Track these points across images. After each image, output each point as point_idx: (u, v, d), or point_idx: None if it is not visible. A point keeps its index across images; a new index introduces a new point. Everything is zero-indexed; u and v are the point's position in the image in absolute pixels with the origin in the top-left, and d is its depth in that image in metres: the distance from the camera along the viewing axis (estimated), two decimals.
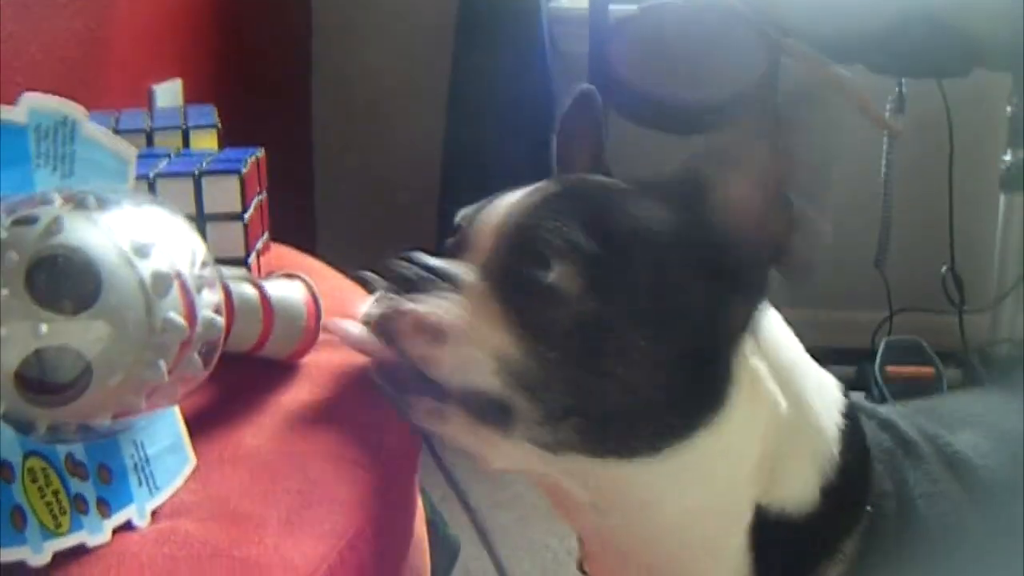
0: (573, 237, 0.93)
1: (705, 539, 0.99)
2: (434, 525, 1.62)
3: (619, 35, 2.90)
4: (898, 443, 1.07)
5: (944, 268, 2.89)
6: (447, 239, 1.06)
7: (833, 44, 2.64)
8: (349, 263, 1.67)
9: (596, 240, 0.93)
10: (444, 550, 2.04)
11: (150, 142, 1.63)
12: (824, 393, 1.04)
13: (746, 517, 0.98)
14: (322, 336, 1.35)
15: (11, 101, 0.98)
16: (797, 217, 0.94)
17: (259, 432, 1.19)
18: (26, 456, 0.92)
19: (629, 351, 0.92)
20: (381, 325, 0.97)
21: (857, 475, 1.02)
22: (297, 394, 1.28)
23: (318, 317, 1.33)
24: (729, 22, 2.73)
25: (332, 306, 1.38)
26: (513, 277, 0.95)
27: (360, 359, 1.34)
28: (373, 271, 1.03)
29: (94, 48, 2.29)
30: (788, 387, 1.00)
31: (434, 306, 0.95)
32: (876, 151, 2.83)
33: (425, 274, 0.97)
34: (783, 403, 0.99)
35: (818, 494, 0.99)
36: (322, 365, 1.34)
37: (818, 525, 0.99)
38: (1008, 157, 2.77)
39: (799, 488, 0.99)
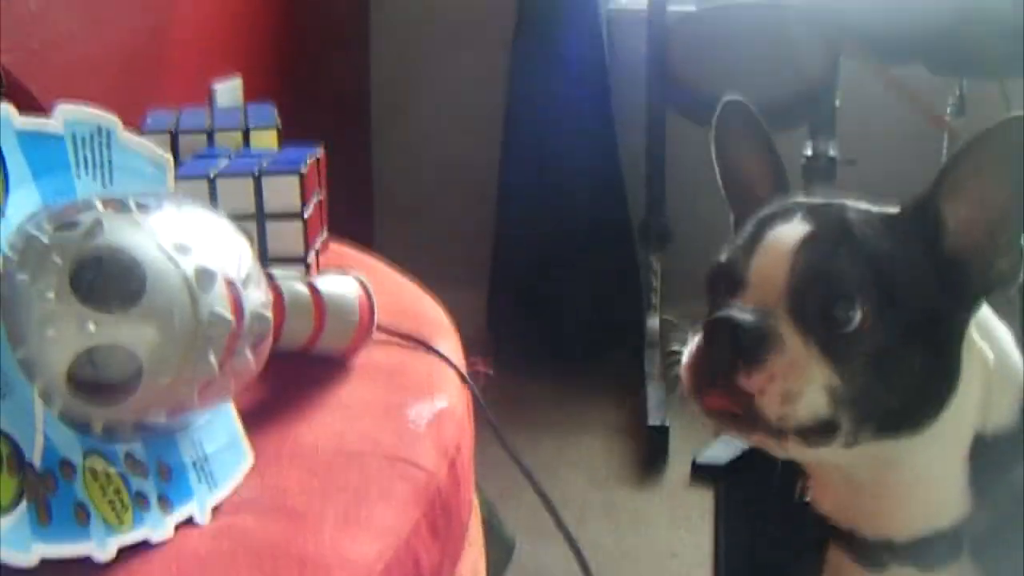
0: (866, 279, 1.07)
1: (937, 469, 1.15)
2: (489, 523, 1.63)
3: (678, 35, 2.90)
4: None
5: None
6: (712, 275, 1.17)
7: (893, 44, 2.63)
8: (406, 260, 1.69)
9: (878, 278, 1.08)
10: (499, 548, 2.05)
11: (211, 141, 1.64)
12: (1009, 338, 1.20)
13: (967, 443, 1.15)
14: (376, 334, 1.36)
15: (76, 99, 1.00)
16: (1016, 243, 1.10)
17: (316, 429, 1.20)
18: (86, 454, 0.94)
19: (908, 364, 1.09)
20: (719, 377, 1.08)
21: None
22: (353, 391, 1.29)
23: (372, 313, 1.34)
24: (789, 22, 2.72)
25: (387, 303, 1.39)
26: (822, 317, 1.07)
27: (414, 357, 1.36)
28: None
29: (155, 46, 2.31)
30: (992, 341, 1.16)
31: (779, 365, 1.06)
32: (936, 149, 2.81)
33: (748, 329, 1.07)
34: (991, 355, 1.15)
35: (1020, 416, 1.16)
36: (378, 363, 1.35)
37: (1018, 439, 1.15)
38: None
39: (1006, 414, 1.16)
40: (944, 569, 1.17)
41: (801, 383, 1.06)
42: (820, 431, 1.08)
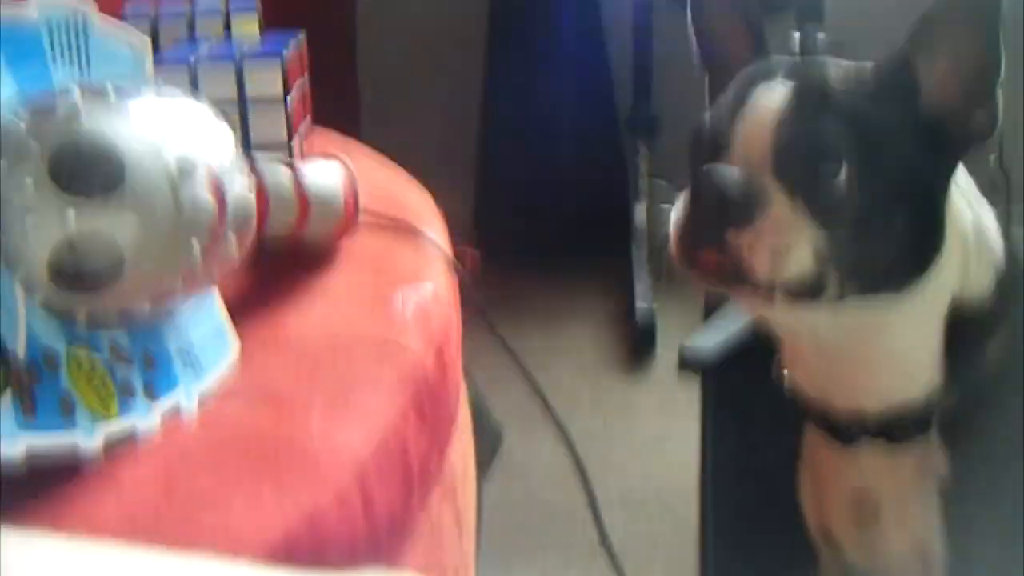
0: (849, 138, 1.08)
1: (914, 335, 1.18)
2: (477, 412, 1.63)
3: None
4: None
5: (992, 158, 2.86)
6: (695, 141, 1.17)
7: None
8: (392, 147, 1.67)
9: (860, 136, 1.09)
10: (487, 437, 2.06)
11: (192, 27, 1.62)
12: (988, 211, 1.22)
13: (945, 310, 1.17)
14: (361, 219, 1.35)
15: None
16: (992, 96, 1.11)
17: (301, 316, 1.20)
18: (70, 344, 0.93)
19: (891, 222, 1.11)
20: (708, 234, 1.09)
21: (1014, 268, 1.21)
22: (338, 278, 1.28)
23: (356, 198, 1.33)
24: None
25: (372, 190, 1.38)
26: (808, 177, 1.08)
27: (401, 243, 1.35)
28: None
29: None
30: (969, 202, 1.19)
31: (767, 221, 1.08)
32: None
33: (736, 186, 1.08)
34: (970, 215, 1.18)
35: (995, 284, 1.19)
36: (364, 249, 1.34)
37: (992, 308, 1.18)
38: None
39: (982, 285, 1.18)
40: (912, 444, 1.20)
41: (789, 240, 1.08)
42: (808, 289, 1.09)
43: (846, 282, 1.10)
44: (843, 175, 1.08)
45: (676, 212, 1.13)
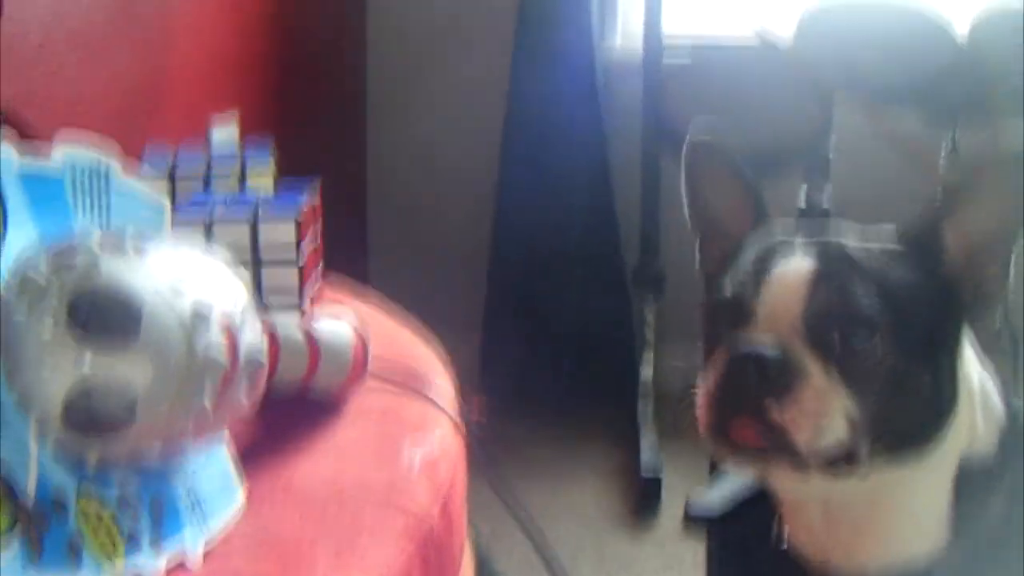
0: (878, 306, 1.10)
1: (926, 497, 1.17)
2: (482, 565, 1.62)
3: (672, 83, 2.91)
4: None
5: (998, 323, 2.87)
6: (714, 308, 1.18)
7: (885, 93, 2.64)
8: (400, 300, 1.69)
9: (886, 301, 1.10)
10: None
11: (208, 177, 1.65)
12: (986, 372, 1.22)
13: (953, 471, 1.16)
14: (369, 376, 1.36)
15: (76, 132, 1.01)
16: (1008, 260, 1.15)
17: (309, 469, 1.20)
18: (79, 490, 0.94)
19: (917, 384, 1.12)
20: (746, 405, 1.09)
21: (1015, 426, 1.21)
22: (346, 433, 1.29)
23: (365, 357, 1.34)
24: (782, 71, 2.73)
25: (381, 345, 1.39)
26: (843, 345, 1.09)
27: (408, 396, 1.36)
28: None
29: (154, 81, 2.33)
30: (974, 366, 1.19)
31: (808, 394, 1.08)
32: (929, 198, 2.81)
33: (776, 361, 1.09)
34: (976, 378, 1.18)
35: (999, 448, 1.18)
36: (371, 404, 1.35)
37: (996, 467, 1.18)
38: None
39: (988, 443, 1.18)
40: None
41: (827, 409, 1.08)
42: (843, 461, 1.10)
43: (877, 450, 1.10)
44: (877, 341, 1.09)
45: (704, 388, 1.13)
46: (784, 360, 1.08)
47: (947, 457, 1.16)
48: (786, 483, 1.18)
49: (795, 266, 1.14)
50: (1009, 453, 1.20)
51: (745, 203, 1.25)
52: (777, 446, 1.08)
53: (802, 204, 2.86)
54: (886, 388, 1.10)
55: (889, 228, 1.18)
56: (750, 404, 1.08)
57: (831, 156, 2.87)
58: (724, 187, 1.26)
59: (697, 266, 1.28)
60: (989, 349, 1.23)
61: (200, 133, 2.40)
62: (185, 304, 0.93)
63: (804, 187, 2.87)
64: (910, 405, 1.12)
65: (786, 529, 1.26)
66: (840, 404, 1.08)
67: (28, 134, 1.03)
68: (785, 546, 1.26)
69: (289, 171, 1.67)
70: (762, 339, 1.10)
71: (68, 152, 1.01)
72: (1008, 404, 1.23)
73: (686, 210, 1.28)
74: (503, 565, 2.24)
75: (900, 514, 1.18)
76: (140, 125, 2.23)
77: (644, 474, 2.90)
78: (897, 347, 1.10)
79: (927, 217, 1.16)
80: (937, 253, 1.15)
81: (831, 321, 1.10)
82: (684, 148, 1.26)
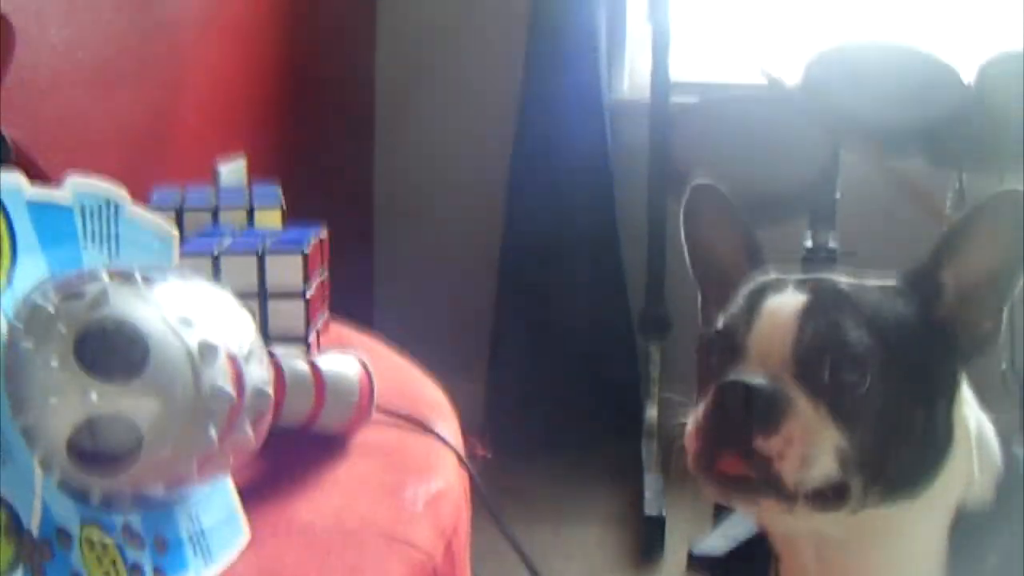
0: (868, 342, 1.10)
1: (921, 544, 1.17)
2: None
3: (679, 125, 2.92)
4: None
5: (1004, 365, 2.87)
6: (707, 344, 1.18)
7: (893, 136, 2.65)
8: (404, 344, 1.69)
9: (879, 339, 1.10)
10: None
11: (216, 219, 1.65)
12: (985, 419, 1.22)
13: (949, 518, 1.16)
14: (376, 414, 1.36)
15: (83, 172, 1.01)
16: (1003, 308, 1.15)
17: (313, 506, 1.20)
18: (83, 524, 0.93)
19: (909, 421, 1.12)
20: (734, 440, 1.09)
21: (1014, 477, 1.21)
22: (351, 470, 1.29)
23: (371, 393, 1.34)
24: (790, 114, 2.74)
25: (387, 383, 1.39)
26: (832, 382, 1.09)
27: (413, 436, 1.36)
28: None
29: (162, 123, 2.34)
30: (972, 411, 1.19)
31: (795, 428, 1.08)
32: None
33: (763, 393, 1.08)
34: (974, 425, 1.18)
35: (995, 496, 1.18)
36: (376, 442, 1.35)
37: (993, 518, 1.17)
38: None
39: (986, 487, 1.18)
40: None
41: (815, 446, 1.08)
42: (832, 495, 1.09)
43: (869, 487, 1.10)
44: (866, 378, 1.09)
45: (693, 420, 1.13)
46: (771, 391, 1.08)
47: (941, 500, 1.16)
48: (775, 519, 1.17)
49: (786, 301, 1.14)
50: (1007, 503, 1.19)
51: (741, 248, 1.26)
52: (763, 478, 1.08)
53: (808, 245, 2.86)
54: (877, 425, 1.10)
55: (889, 273, 1.18)
56: (736, 435, 1.08)
57: (837, 197, 2.88)
58: (721, 231, 1.27)
59: (699, 312, 1.29)
60: (991, 393, 1.24)
61: (208, 173, 2.42)
62: (193, 341, 0.93)
63: (809, 232, 2.88)
64: (902, 443, 1.12)
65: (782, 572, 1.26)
66: (829, 438, 1.08)
67: (36, 174, 1.03)
68: None
69: (296, 208, 1.68)
70: (753, 374, 1.10)
71: (77, 183, 1.01)
72: (1007, 451, 1.22)
73: (686, 256, 1.28)
74: None
75: (893, 559, 1.18)
76: (148, 166, 2.24)
77: (648, 512, 2.89)
78: (888, 384, 1.10)
79: (927, 258, 1.17)
80: (934, 294, 1.16)
81: (820, 355, 1.10)
82: (684, 192, 1.27)
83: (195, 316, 0.94)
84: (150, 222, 1.09)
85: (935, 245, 1.16)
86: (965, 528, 1.16)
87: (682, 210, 1.28)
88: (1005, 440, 1.24)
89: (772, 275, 1.20)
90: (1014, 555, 1.17)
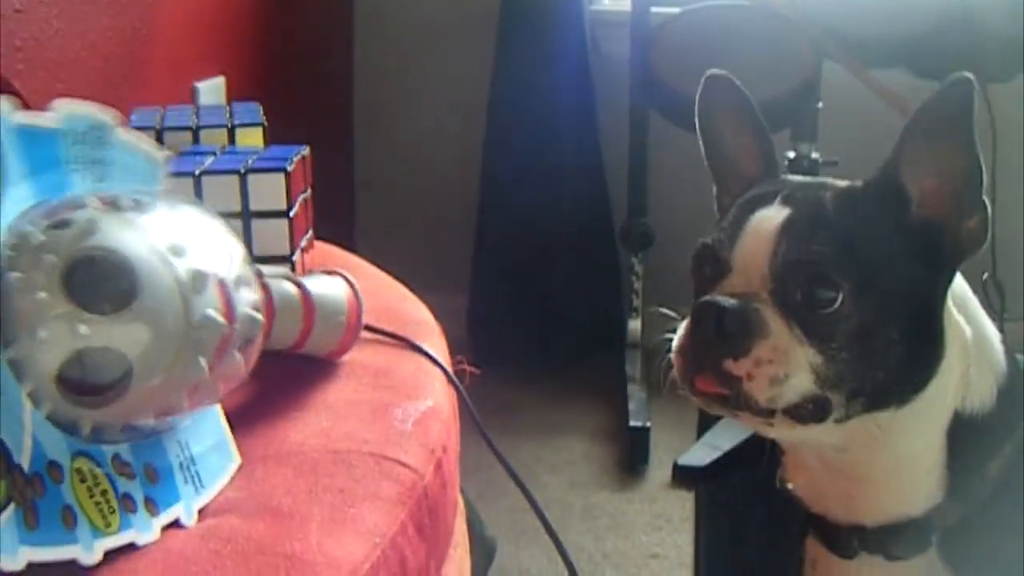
0: (844, 260, 1.10)
1: (917, 449, 1.18)
2: (472, 525, 1.63)
3: (661, 37, 2.90)
4: None
5: (985, 275, 2.87)
6: (702, 264, 1.18)
7: (875, 47, 2.63)
8: (387, 262, 1.68)
9: (854, 258, 1.10)
10: (481, 550, 2.05)
11: (196, 139, 1.64)
12: (986, 319, 1.23)
13: (947, 423, 1.17)
14: (364, 334, 1.35)
15: (60, 96, 0.99)
16: (980, 205, 1.13)
17: (302, 429, 1.20)
18: (74, 457, 0.93)
19: (888, 338, 1.11)
20: (707, 363, 1.11)
21: (1017, 384, 1.22)
22: (340, 392, 1.29)
23: (359, 313, 1.33)
24: (772, 24, 2.72)
25: (372, 303, 1.38)
26: (806, 301, 1.10)
27: (401, 357, 1.36)
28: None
29: (138, 45, 2.31)
30: (969, 316, 1.19)
31: (764, 350, 1.09)
32: None
33: (733, 315, 1.09)
34: (968, 329, 1.18)
35: (996, 397, 1.19)
36: (364, 363, 1.35)
37: (994, 423, 1.18)
38: None
39: (984, 395, 1.18)
40: (911, 560, 1.20)
41: (787, 366, 1.09)
42: (813, 410, 1.11)
43: (850, 402, 1.11)
44: (839, 297, 1.09)
45: (678, 337, 1.14)
46: (742, 312, 1.09)
47: (935, 411, 1.16)
48: (762, 428, 1.17)
49: (767, 218, 1.14)
50: (1008, 408, 1.20)
51: (754, 148, 1.26)
52: (736, 397, 1.10)
53: (790, 154, 2.85)
54: (852, 342, 1.10)
55: (860, 183, 1.18)
56: (710, 361, 1.10)
57: (819, 107, 2.86)
58: (739, 124, 1.26)
59: (715, 202, 1.29)
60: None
61: (187, 96, 2.39)
62: (182, 267, 0.92)
63: (792, 143, 2.87)
64: (883, 361, 1.12)
65: (786, 475, 1.28)
66: (802, 355, 1.09)
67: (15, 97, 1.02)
68: (785, 487, 1.27)
69: (275, 137, 1.66)
70: (725, 299, 1.10)
71: (64, 108, 0.99)
72: (1011, 357, 1.23)
73: (702, 148, 1.27)
74: (492, 521, 2.25)
75: (890, 467, 1.18)
76: (124, 91, 2.21)
77: (632, 428, 2.90)
78: (866, 303, 1.10)
79: (887, 166, 1.15)
80: (903, 203, 1.14)
81: (795, 273, 1.11)
82: (702, 82, 1.25)
83: (184, 243, 0.93)
84: (138, 146, 1.07)
85: (893, 148, 1.15)
86: (963, 432, 1.17)
87: (697, 100, 1.26)
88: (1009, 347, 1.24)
89: (766, 186, 1.19)
90: (1015, 466, 1.18)
